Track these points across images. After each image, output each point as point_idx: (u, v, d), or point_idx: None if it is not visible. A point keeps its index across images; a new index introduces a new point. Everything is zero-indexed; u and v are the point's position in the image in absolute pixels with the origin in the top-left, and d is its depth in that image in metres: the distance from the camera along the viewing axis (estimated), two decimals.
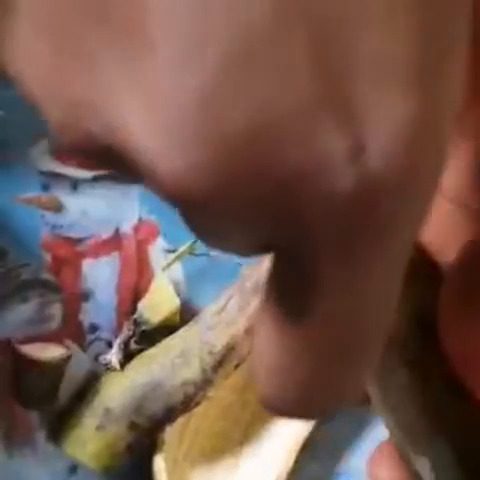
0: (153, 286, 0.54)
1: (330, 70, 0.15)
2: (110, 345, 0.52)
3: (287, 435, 0.52)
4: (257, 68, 0.15)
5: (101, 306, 0.53)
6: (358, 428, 0.54)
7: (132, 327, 0.52)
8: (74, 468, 0.51)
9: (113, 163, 0.16)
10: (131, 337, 0.52)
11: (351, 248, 0.16)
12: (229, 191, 0.15)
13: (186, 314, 0.53)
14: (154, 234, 0.55)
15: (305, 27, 0.15)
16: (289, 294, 0.18)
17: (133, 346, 0.51)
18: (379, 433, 0.54)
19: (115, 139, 0.16)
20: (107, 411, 0.49)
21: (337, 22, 0.15)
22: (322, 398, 0.19)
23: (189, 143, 0.15)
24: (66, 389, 0.51)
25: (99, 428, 0.49)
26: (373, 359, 0.19)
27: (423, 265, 0.25)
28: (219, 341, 0.50)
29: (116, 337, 0.52)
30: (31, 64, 0.16)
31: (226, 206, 0.16)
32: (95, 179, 0.53)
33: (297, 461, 0.51)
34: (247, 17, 0.14)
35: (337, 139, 0.15)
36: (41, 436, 0.51)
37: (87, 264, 0.54)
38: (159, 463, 0.50)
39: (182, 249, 0.54)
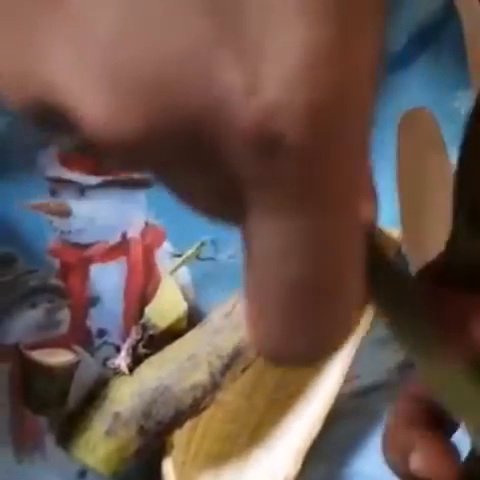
0: (160, 290, 0.54)
1: (220, 8, 0.16)
2: (118, 350, 0.52)
3: (294, 437, 0.52)
4: (149, 14, 0.16)
5: (109, 311, 0.54)
6: (366, 430, 0.54)
7: (140, 331, 0.52)
8: (83, 473, 0.52)
9: (52, 124, 0.17)
10: (139, 341, 0.52)
11: (272, 172, 0.17)
12: (148, 132, 0.16)
13: (193, 318, 0.53)
14: (161, 238, 0.55)
15: None
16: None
17: (141, 350, 0.51)
18: None
19: (52, 97, 0.17)
20: (116, 416, 0.49)
21: None
22: (306, 339, 0.19)
23: (107, 91, 0.16)
24: (75, 394, 0.51)
25: (108, 433, 0.49)
26: (353, 297, 0.19)
27: None
28: (227, 344, 0.50)
29: (124, 342, 0.52)
30: None
31: (150, 146, 0.16)
32: (102, 185, 0.54)
33: (304, 463, 0.51)
34: None
35: (233, 74, 0.16)
36: (50, 441, 0.51)
37: (95, 269, 0.54)
38: (167, 467, 0.50)
39: (188, 253, 0.55)
